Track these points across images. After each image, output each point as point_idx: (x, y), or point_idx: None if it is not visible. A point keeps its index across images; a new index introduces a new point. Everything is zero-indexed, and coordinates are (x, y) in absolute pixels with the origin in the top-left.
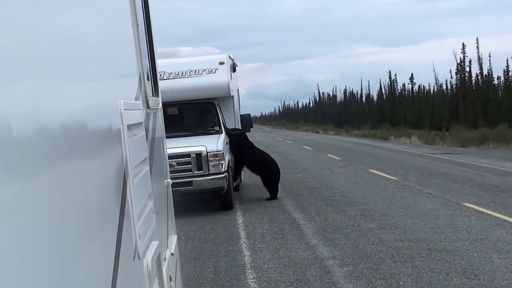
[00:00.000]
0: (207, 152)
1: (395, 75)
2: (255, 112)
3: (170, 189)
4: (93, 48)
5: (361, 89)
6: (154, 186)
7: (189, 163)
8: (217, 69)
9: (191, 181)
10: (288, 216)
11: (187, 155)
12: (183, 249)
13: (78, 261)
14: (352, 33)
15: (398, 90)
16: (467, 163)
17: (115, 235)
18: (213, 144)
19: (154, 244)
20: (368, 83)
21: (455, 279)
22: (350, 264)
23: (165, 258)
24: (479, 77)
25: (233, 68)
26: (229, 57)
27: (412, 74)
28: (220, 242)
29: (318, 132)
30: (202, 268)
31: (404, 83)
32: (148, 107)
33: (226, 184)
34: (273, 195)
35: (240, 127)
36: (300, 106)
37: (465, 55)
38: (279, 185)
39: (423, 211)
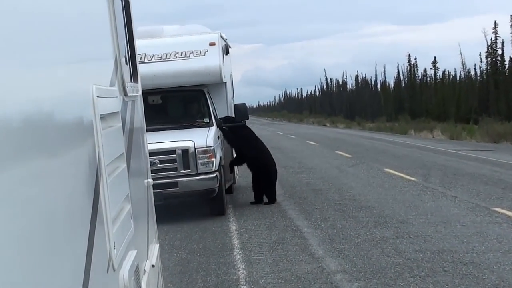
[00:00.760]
0: (195, 148)
1: (415, 59)
2: (251, 102)
3: (151, 190)
4: (59, 25)
5: (376, 75)
6: (132, 186)
7: (174, 160)
8: (207, 51)
9: (176, 182)
10: (289, 223)
11: (172, 151)
12: (167, 260)
13: (41, 275)
14: (365, 9)
15: (418, 76)
16: (499, 161)
17: (86, 243)
18: (202, 138)
19: (132, 254)
20: (384, 68)
21: None
22: (361, 279)
23: (144, 271)
24: None
25: (226, 50)
26: (221, 37)
27: (435, 57)
28: (210, 253)
29: (325, 125)
30: (188, 283)
31: (426, 68)
32: (126, 94)
33: (218, 185)
34: (272, 198)
35: (233, 116)
36: (304, 94)
37: (497, 35)
38: (278, 187)
39: (447, 217)
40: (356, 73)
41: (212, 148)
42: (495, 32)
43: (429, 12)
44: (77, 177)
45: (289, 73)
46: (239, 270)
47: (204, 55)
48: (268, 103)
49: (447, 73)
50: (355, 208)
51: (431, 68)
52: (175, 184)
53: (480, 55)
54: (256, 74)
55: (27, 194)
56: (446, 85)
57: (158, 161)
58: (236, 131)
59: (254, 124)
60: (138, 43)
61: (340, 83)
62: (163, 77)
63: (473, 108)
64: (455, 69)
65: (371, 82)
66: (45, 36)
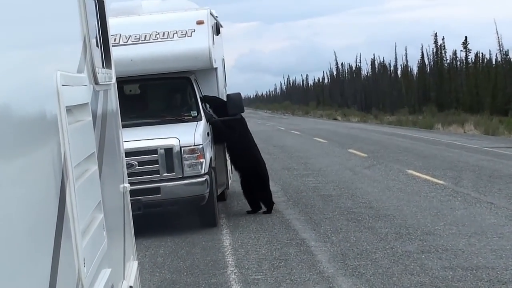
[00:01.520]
0: (180, 147)
1: (443, 39)
2: (247, 91)
3: (128, 197)
4: (15, 1)
5: (396, 58)
6: (106, 192)
7: (156, 162)
8: (194, 30)
9: (158, 188)
10: (293, 236)
11: (153, 151)
12: (148, 281)
13: None
14: None
15: (446, 60)
16: None
17: (49, 260)
18: (189, 135)
19: (106, 272)
20: (406, 50)
21: None
22: None
23: None
24: None
25: (217, 30)
26: (211, 14)
27: (466, 37)
28: (200, 272)
29: (335, 119)
30: None
31: (456, 50)
32: (97, 82)
33: (208, 191)
34: (271, 203)
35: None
36: (310, 82)
37: None
38: (281, 193)
39: (482, 227)
40: (372, 57)
41: (200, 146)
42: None
43: None
44: (38, 182)
45: (292, 57)
46: None
47: (191, 35)
48: (268, 93)
49: (480, 56)
50: (372, 218)
51: (461, 50)
52: (156, 190)
53: None
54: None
55: None
56: (480, 70)
57: (136, 163)
58: (229, 126)
59: (251, 118)
60: (111, 21)
61: (353, 68)
62: (142, 62)
63: None
64: (490, 51)
65: (390, 67)
66: (3, 15)
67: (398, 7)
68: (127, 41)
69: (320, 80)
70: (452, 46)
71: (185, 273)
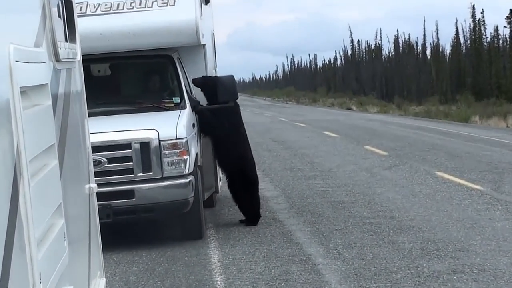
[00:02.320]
0: (159, 141)
1: (482, 13)
2: (243, 74)
3: (96, 201)
4: None
5: (424, 36)
6: (68, 194)
7: (129, 158)
8: None
9: (132, 190)
10: (297, 251)
11: (126, 145)
12: None
13: None
14: None
15: (486, 37)
16: None
17: None
18: (170, 126)
19: None
20: (436, 26)
21: None
22: None
23: None
24: None
25: None
26: None
27: (510, 10)
28: None
29: (350, 109)
30: None
31: (497, 27)
32: (58, 59)
33: (192, 195)
34: (255, 216)
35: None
36: (319, 64)
37: None
38: (282, 198)
39: None
40: (396, 33)
41: (184, 140)
42: None
43: None
44: None
45: (297, 32)
46: None
47: (173, 4)
48: (267, 76)
49: None
50: (393, 230)
51: (504, 27)
52: (130, 194)
53: None
54: (249, 33)
55: None
56: None
57: (105, 159)
58: (218, 115)
59: (247, 107)
60: None
61: (372, 47)
62: (113, 36)
63: None
64: None
65: (417, 46)
66: None
67: None
68: (96, 10)
69: (332, 61)
70: (494, 21)
71: None
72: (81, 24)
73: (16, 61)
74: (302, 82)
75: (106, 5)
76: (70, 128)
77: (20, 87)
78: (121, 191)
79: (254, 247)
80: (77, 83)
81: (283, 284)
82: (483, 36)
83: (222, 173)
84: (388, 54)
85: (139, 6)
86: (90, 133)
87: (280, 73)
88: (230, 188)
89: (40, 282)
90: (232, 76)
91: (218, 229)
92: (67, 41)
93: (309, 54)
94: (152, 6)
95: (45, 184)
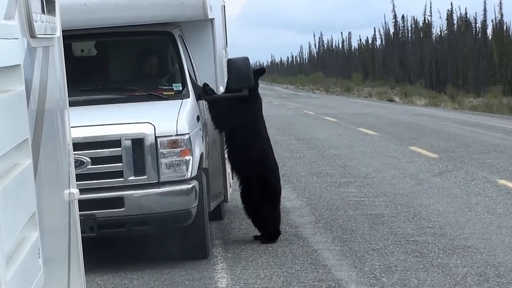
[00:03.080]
0: (155, 137)
1: None
2: (259, 56)
3: (77, 210)
4: None
5: (485, 11)
6: (44, 200)
7: (118, 159)
8: None
9: (121, 198)
10: (324, 275)
11: (114, 142)
12: None
13: None
14: None
15: None
16: None
17: None
18: (169, 120)
19: None
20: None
21: None
22: None
23: None
24: None
25: None
26: None
27: None
28: None
29: (391, 101)
30: None
31: None
32: (33, 35)
33: (196, 205)
34: (274, 233)
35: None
36: (354, 44)
37: None
38: (307, 210)
39: None
40: (449, 7)
41: (186, 137)
42: None
43: None
44: None
45: (327, 4)
46: None
47: None
48: (290, 59)
49: None
50: (444, 250)
51: None
52: (118, 202)
53: None
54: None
55: None
56: None
57: (89, 159)
58: (232, 107)
59: (265, 97)
60: None
61: (420, 24)
62: (101, 7)
63: None
64: None
65: (475, 23)
66: None
67: None
68: None
69: (370, 42)
70: None
71: None
72: None
73: None
74: (333, 67)
75: None
76: (47, 120)
77: None
78: (108, 199)
79: (271, 270)
80: (56, 65)
81: None
82: None
83: (233, 178)
84: (439, 33)
85: None
86: (71, 127)
87: (306, 55)
88: (243, 197)
89: None
90: (247, 58)
91: (227, 247)
92: (44, 13)
93: (341, 33)
94: None
95: (15, 189)
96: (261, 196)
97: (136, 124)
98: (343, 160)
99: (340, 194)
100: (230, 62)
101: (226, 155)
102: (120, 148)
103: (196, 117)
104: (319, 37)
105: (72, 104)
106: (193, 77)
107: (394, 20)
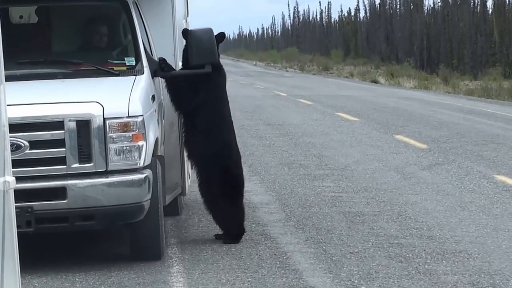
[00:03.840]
0: (104, 119)
1: None
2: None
3: (12, 202)
4: None
5: None
6: None
7: (60, 143)
8: None
9: (64, 188)
10: (295, 281)
11: (56, 123)
12: None
13: None
14: None
15: None
16: None
17: None
18: (120, 99)
19: None
20: None
21: None
22: None
23: None
24: None
25: None
26: None
27: None
28: None
29: (376, 82)
30: None
31: None
32: None
33: (149, 198)
34: (237, 231)
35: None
36: (335, 16)
37: None
38: (276, 206)
39: None
40: None
41: (140, 119)
42: None
43: None
44: None
45: None
46: None
47: None
48: (260, 32)
49: None
50: (431, 255)
51: None
52: (60, 193)
53: None
54: None
55: None
56: None
57: (26, 143)
58: (192, 84)
59: (230, 74)
60: None
61: None
62: None
63: None
64: None
65: None
66: None
67: None
68: None
69: (352, 14)
70: None
71: None
72: None
73: None
74: (309, 41)
75: None
76: None
77: None
78: (48, 189)
79: (234, 274)
80: None
81: None
82: None
83: (192, 168)
84: (432, 6)
85: None
86: (7, 105)
87: (278, 27)
88: (202, 190)
89: None
90: (210, 29)
91: (184, 247)
92: None
93: (320, 2)
94: None
95: None
96: (222, 189)
97: (82, 103)
98: (318, 149)
99: (314, 189)
100: (190, 34)
101: (183, 140)
102: (62, 131)
103: (151, 96)
104: (294, 7)
105: (8, 78)
106: (149, 51)
107: None
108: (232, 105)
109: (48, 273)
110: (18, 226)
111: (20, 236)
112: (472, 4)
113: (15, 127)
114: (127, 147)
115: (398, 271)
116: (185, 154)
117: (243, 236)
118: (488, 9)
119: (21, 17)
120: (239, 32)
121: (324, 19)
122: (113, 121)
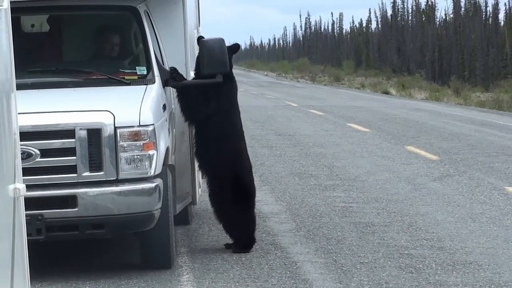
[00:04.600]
0: (115, 128)
1: None
2: (236, 38)
3: (23, 210)
4: None
5: None
6: None
7: (72, 151)
8: None
9: (74, 197)
10: None
11: (67, 132)
12: None
13: None
14: None
15: None
16: None
17: None
18: (131, 108)
19: None
20: None
21: None
22: None
23: None
24: None
25: None
26: None
27: None
28: None
29: (387, 93)
30: None
31: None
32: None
33: (159, 207)
34: (247, 240)
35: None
36: (346, 28)
37: None
38: (286, 216)
39: None
40: None
41: (151, 128)
42: None
43: None
44: None
45: None
46: None
47: None
48: (271, 43)
49: None
50: (442, 266)
51: None
52: (71, 201)
53: None
54: None
55: None
56: None
57: (37, 151)
58: (203, 94)
59: (241, 85)
60: None
61: (422, 6)
62: None
63: None
64: None
65: (486, 7)
66: None
67: None
68: None
69: (364, 25)
70: None
71: None
72: None
73: None
74: (321, 52)
75: None
76: None
77: None
78: (59, 197)
79: (244, 284)
80: (2, 42)
81: None
82: None
83: (202, 178)
84: (444, 17)
85: None
86: (18, 113)
87: (290, 38)
88: (213, 199)
89: None
90: (222, 39)
91: (194, 256)
92: None
93: (332, 13)
94: None
95: None
96: (232, 199)
97: (93, 112)
98: (329, 159)
99: (325, 199)
100: (202, 44)
101: (193, 150)
102: (74, 139)
103: (162, 106)
104: (306, 18)
105: (19, 87)
106: (160, 60)
107: (392, 1)
108: (243, 115)
109: (58, 280)
110: (28, 234)
111: (30, 244)
112: (484, 16)
113: (26, 135)
114: (138, 156)
115: (409, 282)
116: (196, 163)
117: (253, 246)
118: (500, 21)
119: (32, 26)
120: (251, 42)
121: (335, 30)
122: (124, 130)
